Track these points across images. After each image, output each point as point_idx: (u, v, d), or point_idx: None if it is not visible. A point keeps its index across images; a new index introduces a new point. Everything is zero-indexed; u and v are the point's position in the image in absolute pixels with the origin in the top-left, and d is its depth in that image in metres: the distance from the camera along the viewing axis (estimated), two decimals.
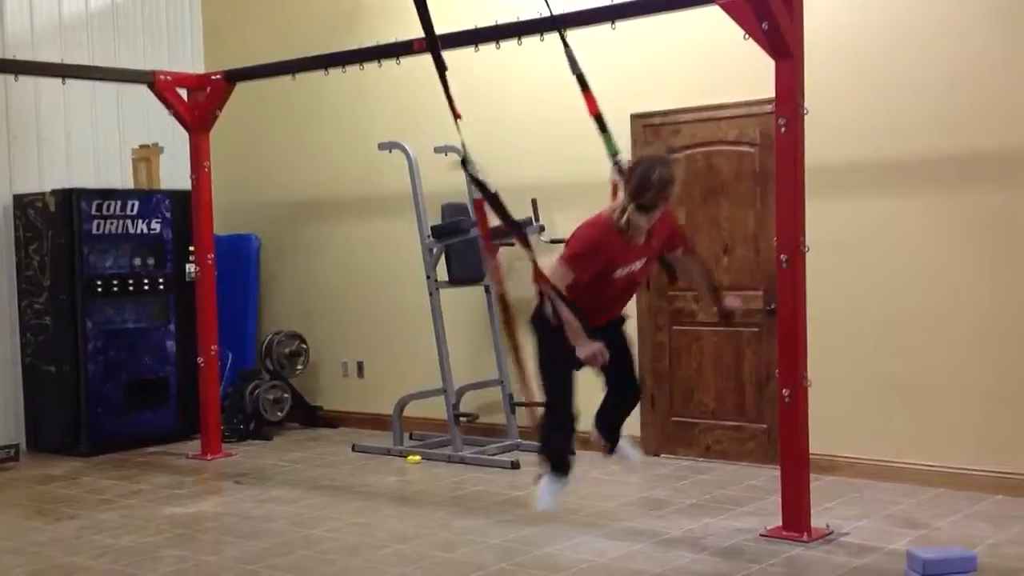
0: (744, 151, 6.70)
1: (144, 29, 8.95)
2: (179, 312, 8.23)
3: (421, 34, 4.93)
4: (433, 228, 7.34)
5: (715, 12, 5.25)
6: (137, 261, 8.11)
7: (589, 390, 5.02)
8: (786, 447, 5.24)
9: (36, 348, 8.00)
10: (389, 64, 6.86)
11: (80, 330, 7.79)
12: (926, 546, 4.79)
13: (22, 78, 7.37)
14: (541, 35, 5.99)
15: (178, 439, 8.11)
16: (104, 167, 8.62)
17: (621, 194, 4.76)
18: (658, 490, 6.25)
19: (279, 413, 8.44)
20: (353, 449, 7.70)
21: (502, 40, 6.35)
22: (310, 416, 8.75)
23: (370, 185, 8.36)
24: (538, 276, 4.64)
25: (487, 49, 6.44)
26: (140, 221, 8.11)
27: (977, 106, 5.85)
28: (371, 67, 7.07)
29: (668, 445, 7.11)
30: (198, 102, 7.66)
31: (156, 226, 8.20)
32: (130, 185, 8.47)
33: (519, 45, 6.31)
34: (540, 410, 4.95)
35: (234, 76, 7.55)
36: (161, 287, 8.20)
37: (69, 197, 7.81)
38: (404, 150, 7.43)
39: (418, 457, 7.32)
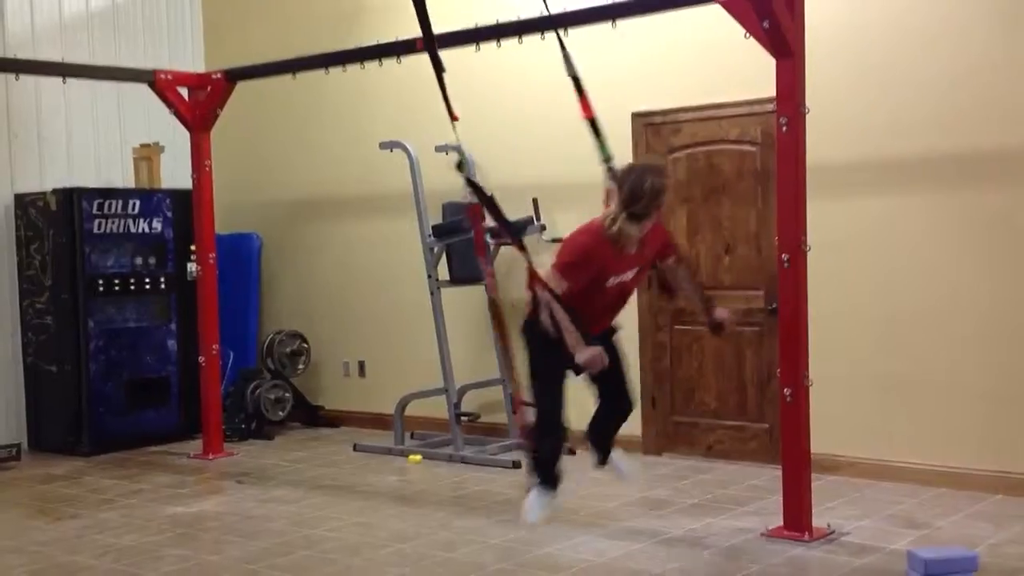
0: (745, 150, 6.69)
1: (145, 28, 8.94)
2: (180, 311, 8.23)
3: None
4: (434, 227, 7.34)
5: (716, 11, 5.24)
6: (138, 260, 8.11)
7: (580, 397, 5.00)
8: (787, 447, 5.24)
9: (37, 348, 8.01)
10: (390, 63, 6.86)
11: (81, 329, 7.80)
12: (927, 546, 4.79)
13: (23, 77, 7.37)
14: (542, 34, 5.98)
15: (179, 438, 8.11)
16: (105, 166, 8.63)
17: (614, 201, 4.70)
18: (659, 490, 6.25)
19: (280, 412, 8.44)
20: (354, 448, 7.71)
21: (503, 39, 6.34)
22: (311, 415, 8.75)
23: (371, 184, 8.36)
24: (534, 280, 4.59)
25: (488, 48, 6.44)
26: (141, 220, 8.12)
27: (978, 105, 5.84)
28: (372, 66, 7.07)
29: (669, 445, 7.11)
30: (199, 101, 7.66)
31: (157, 225, 8.20)
32: (131, 184, 8.48)
33: (520, 44, 6.31)
34: (530, 422, 4.87)
35: (235, 75, 7.55)
36: (162, 286, 8.20)
37: (70, 196, 7.81)
38: (405, 149, 7.43)
39: (419, 457, 7.32)
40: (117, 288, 7.95)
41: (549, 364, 4.73)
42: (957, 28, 5.89)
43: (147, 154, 8.46)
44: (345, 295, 8.67)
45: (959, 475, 5.93)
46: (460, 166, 4.86)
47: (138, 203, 8.10)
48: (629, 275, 4.74)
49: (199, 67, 8.91)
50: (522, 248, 4.79)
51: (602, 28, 5.99)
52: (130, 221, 8.05)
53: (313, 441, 8.21)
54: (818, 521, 5.24)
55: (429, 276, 7.34)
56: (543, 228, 7.17)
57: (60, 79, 7.40)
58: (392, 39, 6.63)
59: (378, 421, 8.28)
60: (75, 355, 7.81)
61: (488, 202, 4.75)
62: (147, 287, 8.11)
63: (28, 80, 7.76)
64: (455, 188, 7.40)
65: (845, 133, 6.18)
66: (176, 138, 8.24)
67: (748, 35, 5.13)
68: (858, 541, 5.10)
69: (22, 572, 5.10)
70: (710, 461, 6.87)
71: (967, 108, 5.87)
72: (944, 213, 5.97)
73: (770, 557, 4.91)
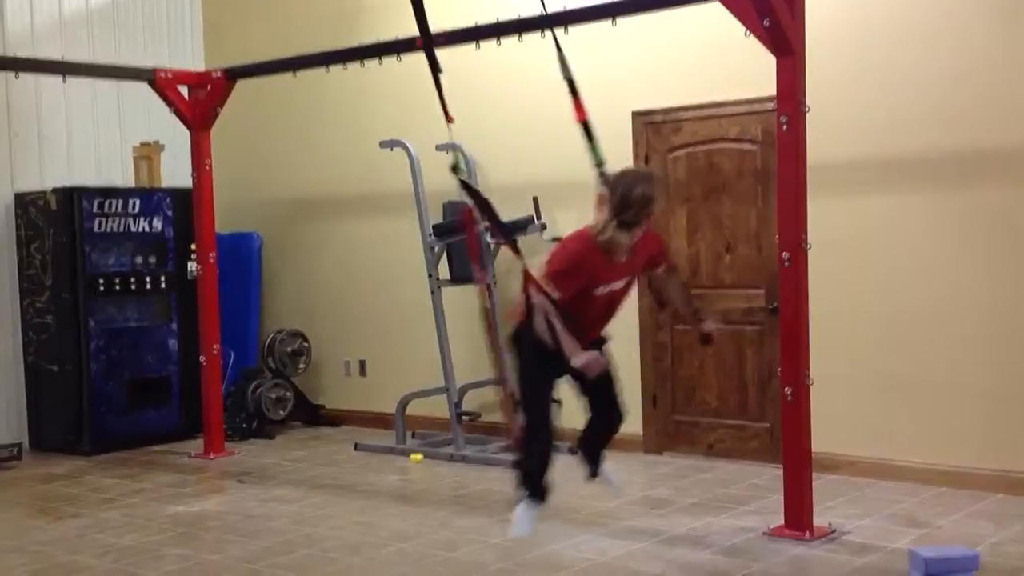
0: (746, 149, 6.69)
1: (144, 26, 8.94)
2: (181, 311, 8.23)
3: None
4: (435, 226, 7.34)
5: (716, 9, 5.23)
6: (139, 259, 8.11)
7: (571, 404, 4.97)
8: (788, 446, 5.23)
9: (38, 347, 8.01)
10: (390, 61, 6.85)
11: (82, 329, 7.79)
12: (928, 545, 4.78)
13: (23, 76, 7.37)
14: (542, 32, 5.97)
15: (180, 438, 8.11)
16: (105, 165, 8.62)
17: (606, 208, 4.62)
18: (660, 489, 6.25)
19: (281, 412, 8.44)
20: (355, 448, 7.70)
21: (503, 37, 6.34)
22: (312, 415, 8.75)
23: (371, 183, 8.36)
24: (529, 283, 4.53)
25: (488, 46, 6.43)
26: (142, 219, 8.11)
27: (978, 104, 5.83)
28: (372, 64, 7.06)
29: (670, 444, 7.10)
30: (199, 100, 7.65)
31: (158, 224, 8.20)
32: (131, 183, 8.47)
33: (520, 42, 6.30)
34: (517, 433, 4.76)
35: (235, 73, 7.54)
36: (163, 286, 8.19)
37: (70, 195, 7.81)
38: (406, 148, 7.43)
39: (420, 456, 7.31)
40: (118, 287, 7.95)
41: (539, 373, 4.65)
42: (958, 26, 5.89)
43: (147, 153, 8.46)
44: (346, 294, 8.67)
45: (960, 474, 5.93)
46: (455, 168, 4.82)
47: (138, 202, 8.10)
48: (619, 284, 4.68)
49: (199, 65, 8.91)
50: (516, 251, 4.76)
51: (602, 26, 5.98)
52: (130, 220, 8.05)
53: (314, 440, 8.21)
54: (819, 520, 5.23)
55: (430, 275, 7.34)
56: (544, 227, 7.16)
57: (60, 78, 7.39)
58: (392, 37, 6.62)
59: (379, 420, 8.27)
60: (76, 354, 7.81)
61: (482, 204, 4.72)
62: (148, 286, 8.11)
63: (28, 79, 7.76)
64: (455, 187, 7.40)
65: (846, 131, 6.17)
66: (176, 137, 8.23)
67: (748, 33, 5.13)
68: (859, 540, 5.10)
69: (23, 572, 5.10)
70: (711, 460, 6.86)
71: (968, 106, 5.86)
72: (945, 212, 5.97)
73: (771, 556, 4.91)
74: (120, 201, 8.00)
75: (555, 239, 6.83)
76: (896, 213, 6.12)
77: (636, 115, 7.02)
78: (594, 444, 5.03)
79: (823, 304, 5.59)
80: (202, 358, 7.71)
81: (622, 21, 5.95)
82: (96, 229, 7.86)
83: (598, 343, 4.80)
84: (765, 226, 6.55)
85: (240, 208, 8.91)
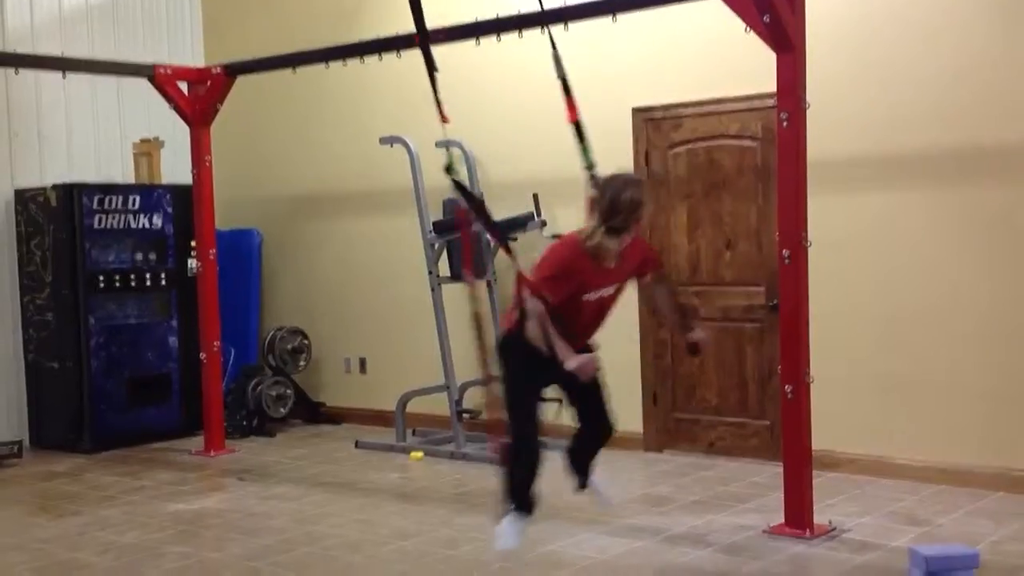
0: (746, 145, 6.68)
1: (144, 22, 8.93)
2: (181, 308, 8.22)
3: None
4: (435, 223, 7.33)
5: (716, 5, 5.22)
6: (139, 256, 8.11)
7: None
8: (789, 443, 5.23)
9: (38, 344, 8.00)
10: (390, 58, 6.84)
11: (82, 326, 7.79)
12: (928, 543, 4.78)
13: (23, 72, 7.36)
14: (542, 28, 5.96)
15: (181, 435, 8.11)
16: (105, 161, 8.61)
17: (596, 211, 4.53)
18: (660, 487, 6.25)
19: (282, 409, 8.43)
20: (356, 445, 7.70)
21: (503, 33, 6.33)
22: (313, 412, 8.75)
23: (371, 180, 8.35)
24: (523, 284, 4.49)
25: (488, 42, 6.42)
26: (142, 216, 8.11)
27: (979, 101, 5.82)
28: (372, 61, 7.04)
29: (671, 441, 7.10)
30: (199, 96, 7.64)
31: (158, 221, 8.19)
32: (131, 179, 8.47)
33: (520, 38, 6.29)
34: (503, 445, 4.68)
35: (234, 69, 7.53)
36: (163, 282, 8.19)
37: (70, 192, 7.80)
38: (406, 145, 7.42)
39: (421, 453, 7.31)
40: (118, 284, 7.94)
41: (528, 383, 4.59)
42: (958, 23, 5.87)
43: (147, 149, 8.45)
44: (346, 291, 8.66)
45: (960, 472, 5.92)
46: (449, 168, 4.79)
47: (138, 198, 8.09)
48: (608, 291, 4.60)
49: (199, 61, 8.90)
50: (509, 252, 4.72)
51: (603, 23, 5.97)
52: (130, 217, 8.04)
53: (314, 438, 8.21)
54: (819, 518, 5.23)
55: (430, 272, 7.33)
56: (544, 224, 7.15)
57: (60, 74, 7.39)
58: (392, 33, 6.61)
59: (379, 418, 8.27)
60: (76, 352, 7.80)
61: (476, 206, 4.70)
62: (148, 283, 8.10)
63: (28, 75, 7.75)
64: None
65: (846, 128, 6.16)
66: (176, 133, 8.23)
67: (748, 29, 5.12)
68: (859, 538, 5.10)
69: (24, 569, 5.10)
70: (711, 458, 6.86)
71: (968, 104, 5.85)
72: (945, 209, 5.96)
73: (772, 554, 4.91)
74: (120, 197, 7.99)
75: (555, 236, 6.84)
76: (896, 210, 6.11)
77: (636, 111, 7.01)
78: (583, 455, 4.92)
79: (823, 302, 5.58)
80: (202, 355, 7.71)
81: (622, 17, 5.94)
82: (96, 226, 7.85)
83: (586, 351, 4.66)
84: (765, 223, 6.54)
85: (240, 205, 8.90)
